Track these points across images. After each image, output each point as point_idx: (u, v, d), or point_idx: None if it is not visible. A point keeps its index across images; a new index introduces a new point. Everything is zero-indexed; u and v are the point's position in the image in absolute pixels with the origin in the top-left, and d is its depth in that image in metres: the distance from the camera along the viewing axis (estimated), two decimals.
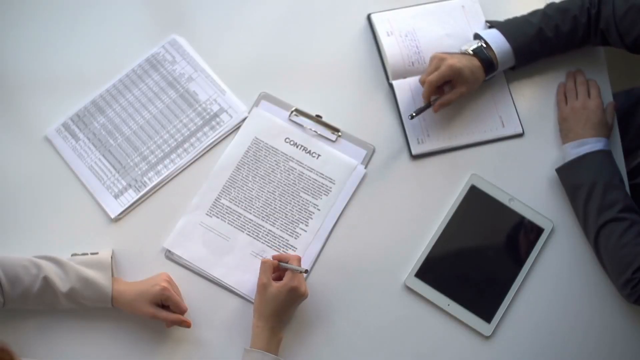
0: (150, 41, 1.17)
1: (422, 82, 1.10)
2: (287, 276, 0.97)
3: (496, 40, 1.09)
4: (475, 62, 1.08)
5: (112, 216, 1.07)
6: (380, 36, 1.16)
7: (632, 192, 1.07)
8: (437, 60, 1.08)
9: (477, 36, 1.13)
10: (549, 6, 1.11)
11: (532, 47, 1.10)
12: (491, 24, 1.15)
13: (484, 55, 1.09)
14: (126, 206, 1.07)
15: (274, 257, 1.01)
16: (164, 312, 0.97)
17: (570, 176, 1.08)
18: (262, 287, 0.97)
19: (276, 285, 0.97)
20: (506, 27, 1.11)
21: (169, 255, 1.06)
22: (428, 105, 1.09)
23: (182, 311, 0.99)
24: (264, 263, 0.99)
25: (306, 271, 0.97)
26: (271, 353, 0.95)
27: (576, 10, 1.09)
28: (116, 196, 1.08)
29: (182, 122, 1.12)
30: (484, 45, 1.10)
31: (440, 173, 1.12)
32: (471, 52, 1.09)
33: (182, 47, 1.16)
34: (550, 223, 1.09)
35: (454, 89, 1.09)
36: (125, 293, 0.98)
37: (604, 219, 1.02)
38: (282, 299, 0.96)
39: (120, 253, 1.05)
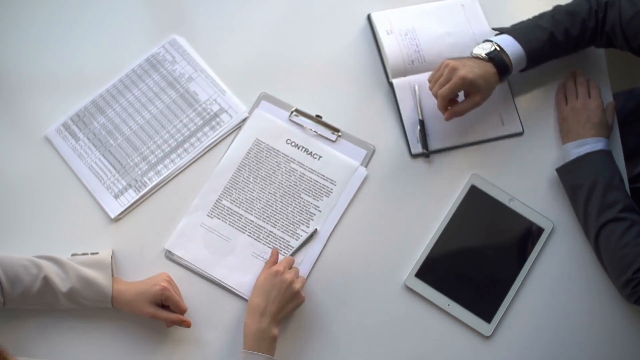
0: (150, 41, 1.17)
1: (430, 88, 1.08)
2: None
3: (509, 45, 1.06)
4: (489, 68, 1.05)
5: (112, 216, 1.07)
6: (380, 35, 1.16)
7: (634, 195, 1.07)
8: (449, 70, 1.04)
9: (487, 41, 1.11)
10: (557, 10, 1.10)
11: (544, 50, 1.08)
12: (499, 31, 1.12)
13: (499, 60, 1.05)
14: (126, 206, 1.07)
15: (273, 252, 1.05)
16: (164, 312, 0.98)
17: (571, 176, 1.08)
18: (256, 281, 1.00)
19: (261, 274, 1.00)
20: (517, 32, 1.09)
21: (169, 256, 1.06)
22: (421, 123, 1.11)
23: (182, 311, 0.99)
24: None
25: (315, 230, 1.02)
26: (262, 352, 0.94)
27: (584, 14, 1.08)
28: (116, 196, 1.08)
29: (182, 122, 1.12)
30: (498, 48, 1.06)
31: (440, 173, 1.12)
32: (485, 56, 1.06)
33: (182, 47, 1.16)
34: (550, 223, 1.09)
35: (467, 98, 1.06)
36: (125, 293, 0.98)
37: (604, 219, 1.02)
38: (268, 286, 0.97)
39: (120, 253, 1.05)
